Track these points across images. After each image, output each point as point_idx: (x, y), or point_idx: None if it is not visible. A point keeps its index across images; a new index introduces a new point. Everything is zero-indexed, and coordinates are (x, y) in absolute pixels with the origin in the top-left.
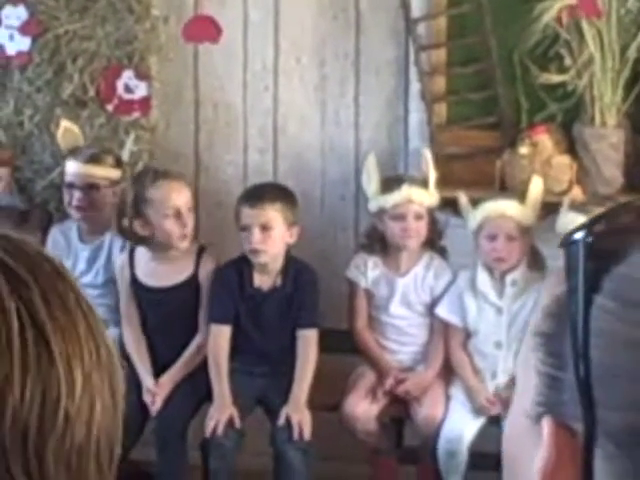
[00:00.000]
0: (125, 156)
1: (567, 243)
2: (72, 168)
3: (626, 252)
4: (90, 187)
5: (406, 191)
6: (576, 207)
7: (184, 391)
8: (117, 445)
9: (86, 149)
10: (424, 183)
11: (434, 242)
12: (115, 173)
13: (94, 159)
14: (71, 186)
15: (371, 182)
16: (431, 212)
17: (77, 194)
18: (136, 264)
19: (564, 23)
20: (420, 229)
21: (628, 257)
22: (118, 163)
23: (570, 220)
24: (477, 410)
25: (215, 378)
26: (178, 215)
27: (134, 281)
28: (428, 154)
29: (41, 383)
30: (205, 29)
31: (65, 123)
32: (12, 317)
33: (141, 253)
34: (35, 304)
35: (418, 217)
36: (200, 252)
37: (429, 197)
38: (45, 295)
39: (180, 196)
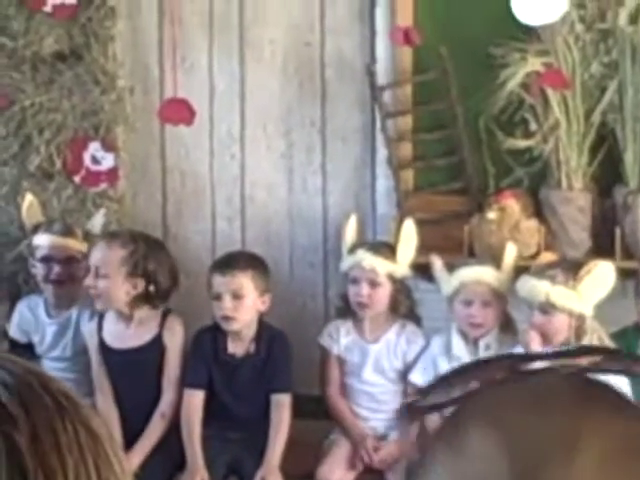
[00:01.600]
0: (97, 229)
1: None
2: (46, 241)
3: None
4: (69, 260)
5: (359, 256)
6: (535, 272)
7: (156, 460)
8: None
9: (56, 222)
10: (391, 251)
11: (398, 309)
12: (84, 247)
13: (69, 232)
14: (49, 259)
15: (345, 243)
16: (396, 280)
17: (56, 268)
18: (104, 328)
19: (532, 92)
20: (375, 296)
21: None
22: (85, 236)
23: (530, 285)
24: None
25: (188, 443)
26: (95, 273)
27: (102, 345)
28: (410, 224)
29: None
30: (180, 111)
31: (29, 197)
32: None
33: (109, 318)
34: (17, 441)
35: (372, 284)
36: (165, 315)
37: (387, 265)
38: (35, 431)
39: (95, 254)
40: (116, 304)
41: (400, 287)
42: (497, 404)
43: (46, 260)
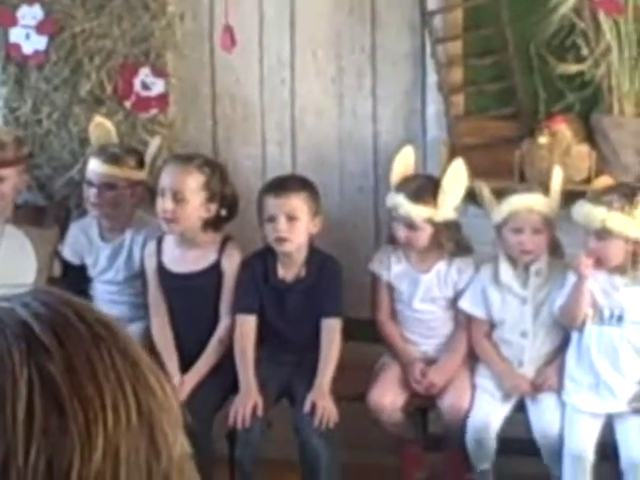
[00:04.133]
0: (148, 159)
1: None
2: (92, 166)
3: None
4: (106, 186)
5: (398, 201)
6: (591, 198)
7: (210, 383)
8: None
9: (111, 148)
10: (434, 194)
11: (443, 249)
12: (136, 174)
13: (114, 160)
14: (90, 183)
15: (393, 179)
16: (437, 223)
17: (93, 191)
18: (163, 252)
19: (583, 16)
20: (414, 238)
21: None
22: (141, 164)
23: (586, 211)
24: (508, 391)
25: (241, 367)
26: (163, 194)
27: (160, 269)
28: (459, 164)
29: (47, 452)
30: (225, 40)
31: (98, 118)
32: (21, 386)
33: (168, 241)
34: (51, 372)
35: (410, 227)
36: (225, 241)
37: (425, 211)
38: (70, 361)
39: (168, 178)
40: (189, 228)
41: (442, 229)
42: None
43: (88, 184)
